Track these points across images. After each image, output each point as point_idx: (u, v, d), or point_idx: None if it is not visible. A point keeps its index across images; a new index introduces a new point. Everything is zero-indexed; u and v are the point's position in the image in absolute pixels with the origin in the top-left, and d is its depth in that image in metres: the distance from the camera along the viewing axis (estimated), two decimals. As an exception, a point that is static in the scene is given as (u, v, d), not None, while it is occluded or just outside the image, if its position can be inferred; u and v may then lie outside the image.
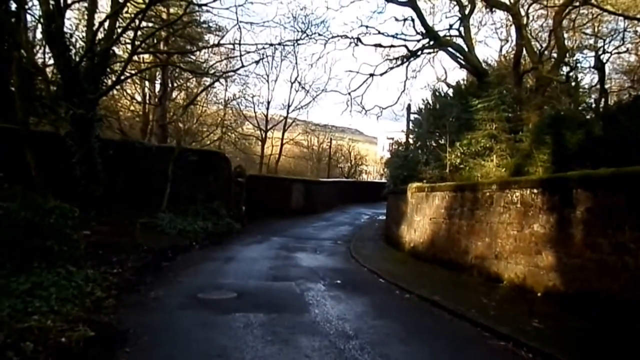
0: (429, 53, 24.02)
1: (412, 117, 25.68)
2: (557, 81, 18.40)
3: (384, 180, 57.36)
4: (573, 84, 20.71)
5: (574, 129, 13.39)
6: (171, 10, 24.62)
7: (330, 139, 48.98)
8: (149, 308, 8.18)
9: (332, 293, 9.68)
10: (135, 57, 19.29)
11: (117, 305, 8.00)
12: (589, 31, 23.35)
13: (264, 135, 37.48)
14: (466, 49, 21.02)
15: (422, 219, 14.16)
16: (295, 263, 13.58)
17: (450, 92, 23.36)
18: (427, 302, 8.97)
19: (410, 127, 26.35)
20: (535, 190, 8.99)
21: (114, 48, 17.16)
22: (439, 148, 15.96)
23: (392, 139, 34.67)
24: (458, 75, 77.73)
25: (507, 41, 29.35)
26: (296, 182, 31.65)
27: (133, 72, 21.08)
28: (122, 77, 17.57)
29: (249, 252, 15.17)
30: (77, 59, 14.96)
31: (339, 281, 11.03)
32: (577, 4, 17.08)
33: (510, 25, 28.07)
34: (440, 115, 17.29)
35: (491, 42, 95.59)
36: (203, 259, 13.48)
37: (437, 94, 22.74)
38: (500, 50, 30.11)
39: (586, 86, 24.68)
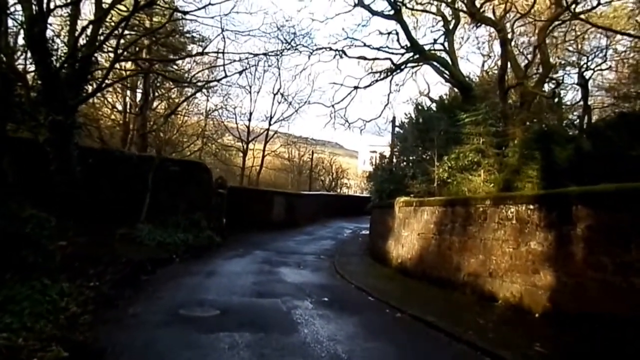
0: (413, 67, 23.92)
1: (396, 130, 25.57)
2: (543, 96, 18.33)
3: (365, 194, 57.61)
4: (556, 100, 20.77)
5: (563, 144, 13.27)
6: (155, 19, 24.18)
7: (312, 152, 48.63)
8: (128, 325, 7.72)
9: (320, 311, 9.28)
10: (117, 65, 18.81)
11: (93, 322, 7.55)
12: (571, 48, 23.43)
13: (245, 147, 37.00)
14: (450, 64, 20.95)
15: (410, 234, 13.85)
16: (280, 278, 13.16)
17: (434, 106, 23.35)
18: (421, 322, 8.61)
19: (395, 141, 26.24)
20: (531, 206, 8.72)
21: (96, 55, 16.68)
22: (427, 162, 15.70)
23: (376, 152, 34.58)
24: (440, 90, 78.41)
25: (490, 57, 29.30)
26: (278, 194, 31.31)
27: (115, 79, 20.54)
28: (104, 85, 17.06)
29: (231, 266, 14.71)
30: (58, 65, 14.51)
31: (326, 299, 10.64)
32: (565, 18, 16.99)
33: (493, 41, 28.30)
34: (426, 128, 17.07)
35: (473, 57, 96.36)
36: (184, 273, 13.00)
37: (420, 107, 22.62)
38: (483, 65, 30.04)
39: (568, 103, 24.96)
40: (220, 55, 21.41)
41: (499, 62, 27.76)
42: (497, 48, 28.21)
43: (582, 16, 15.72)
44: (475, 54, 71.32)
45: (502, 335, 7.50)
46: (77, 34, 15.36)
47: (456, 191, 14.74)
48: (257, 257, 17.16)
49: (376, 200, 19.74)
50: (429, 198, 13.49)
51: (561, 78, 22.79)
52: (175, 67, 25.48)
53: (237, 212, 23.90)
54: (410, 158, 17.65)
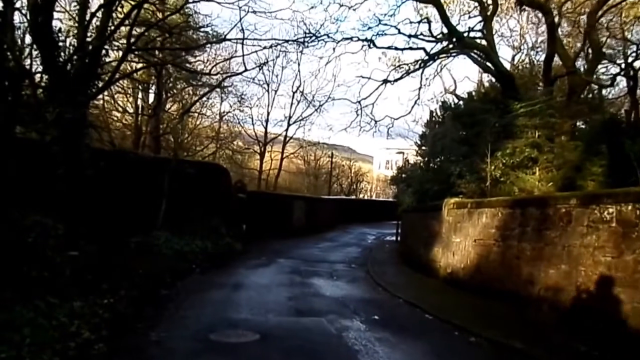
0: (448, 56, 22.30)
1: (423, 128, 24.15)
2: (602, 86, 16.79)
3: (383, 198, 56.21)
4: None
5: (635, 137, 11.72)
6: (167, 13, 22.90)
7: (332, 153, 47.12)
8: (151, 356, 6.28)
9: (376, 334, 7.75)
10: (129, 59, 17.53)
11: (109, 352, 6.16)
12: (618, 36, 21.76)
13: (263, 149, 35.59)
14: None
15: (463, 240, 12.28)
16: (316, 291, 11.69)
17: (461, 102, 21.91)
18: (506, 350, 7.06)
19: (422, 140, 24.74)
20: (641, 205, 7.11)
21: (107, 48, 15.34)
22: (476, 159, 14.12)
23: (403, 153, 33.15)
24: (466, 87, 76.41)
25: (520, 49, 27.98)
26: (298, 199, 29.98)
27: (127, 73, 19.24)
28: (115, 78, 15.75)
29: (257, 277, 13.28)
30: (66, 58, 13.21)
31: (376, 317, 9.12)
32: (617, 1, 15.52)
33: (526, 31, 26.95)
34: (471, 122, 15.50)
35: (501, 51, 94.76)
36: (207, 286, 11.57)
37: (458, 99, 21.14)
38: (513, 59, 28.62)
39: (610, 96, 23.32)
40: (238, 47, 19.94)
41: (527, 53, 26.61)
42: (529, 39, 27.17)
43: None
44: (503, 46, 68.72)
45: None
46: (86, 22, 14.04)
47: (508, 191, 13.21)
48: (283, 267, 15.73)
49: (412, 203, 18.18)
50: (490, 198, 11.87)
51: (628, 65, 21.00)
52: (189, 65, 24.21)
53: (256, 218, 22.47)
54: (450, 157, 16.05)
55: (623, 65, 21.11)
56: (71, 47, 13.79)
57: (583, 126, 16.48)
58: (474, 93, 22.75)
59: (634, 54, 20.83)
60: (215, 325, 7.75)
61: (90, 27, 14.17)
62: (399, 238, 25.66)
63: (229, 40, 18.34)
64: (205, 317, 8.37)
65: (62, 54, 13.17)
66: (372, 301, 10.84)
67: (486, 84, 27.08)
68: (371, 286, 13.17)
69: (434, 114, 22.37)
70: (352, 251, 22.18)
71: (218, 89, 29.80)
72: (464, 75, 74.58)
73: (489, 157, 13.30)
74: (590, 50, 19.49)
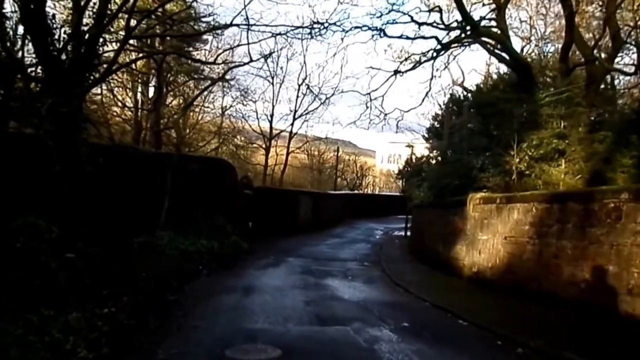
0: (460, 46, 21.42)
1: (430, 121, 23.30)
2: (626, 74, 15.93)
3: (387, 192, 55.34)
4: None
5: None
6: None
7: (338, 147, 46.18)
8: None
9: (412, 346, 6.86)
10: (127, 49, 16.67)
11: (109, 376, 5.29)
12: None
13: (268, 144, 34.69)
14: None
15: (491, 237, 11.41)
16: (333, 294, 10.86)
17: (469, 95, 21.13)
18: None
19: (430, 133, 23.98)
20: None
21: (104, 36, 14.45)
22: (500, 151, 13.26)
23: (412, 146, 32.20)
24: (473, 79, 75.23)
25: (530, 40, 27.16)
26: (304, 195, 29.14)
27: (126, 63, 18.33)
28: (114, 68, 14.89)
29: (269, 279, 12.47)
30: (61, 46, 12.35)
31: (406, 323, 8.26)
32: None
33: (534, 22, 26.08)
34: (493, 112, 14.61)
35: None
36: (216, 290, 10.76)
37: (467, 91, 20.26)
38: (522, 50, 27.79)
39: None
40: (242, 39, 19.03)
41: (536, 44, 25.79)
42: (539, 29, 26.31)
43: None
44: (513, 38, 67.61)
45: None
46: (81, 9, 13.14)
47: (533, 185, 12.39)
48: (294, 267, 14.94)
49: (429, 198, 17.31)
50: (523, 193, 10.99)
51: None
52: (189, 60, 23.45)
53: (261, 215, 21.59)
54: (469, 150, 15.16)
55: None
56: (66, 37, 12.96)
57: (599, 118, 15.70)
58: (490, 82, 22.04)
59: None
60: (231, 339, 6.89)
61: (87, 14, 13.30)
62: (408, 233, 25.10)
63: (235, 26, 17.20)
64: (218, 328, 7.53)
65: (57, 43, 12.32)
66: (396, 305, 10.00)
67: (494, 76, 26.44)
68: (390, 287, 12.36)
69: (449, 105, 21.48)
70: (362, 248, 21.48)
71: (221, 83, 29.01)
72: (471, 68, 73.45)
73: (515, 148, 12.45)
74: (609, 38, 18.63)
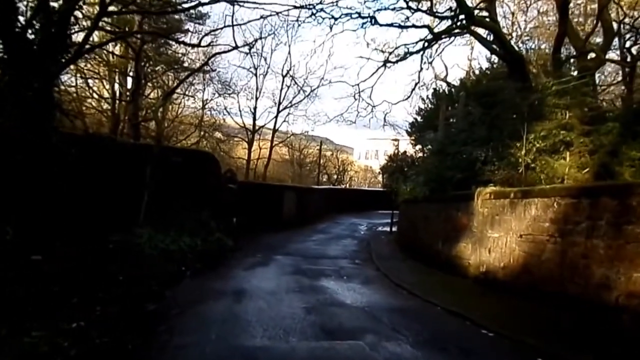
0: (450, 36, 20.58)
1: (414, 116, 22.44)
2: (623, 65, 15.25)
3: (370, 187, 54.71)
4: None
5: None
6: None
7: (321, 142, 45.22)
8: None
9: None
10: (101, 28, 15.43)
11: None
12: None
13: (251, 136, 33.53)
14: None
15: (504, 235, 10.44)
16: (333, 299, 9.78)
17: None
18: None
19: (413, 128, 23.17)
20: None
21: (77, 13, 13.21)
22: (504, 143, 12.38)
23: (397, 140, 31.38)
24: (457, 74, 74.66)
25: (512, 37, 26.71)
26: (288, 189, 28.19)
27: (101, 42, 17.10)
28: (86, 48, 13.68)
29: (259, 281, 11.36)
30: (25, 22, 11.16)
31: (424, 335, 7.18)
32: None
33: (516, 18, 25.48)
34: (493, 102, 13.73)
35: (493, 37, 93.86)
36: (203, 295, 9.57)
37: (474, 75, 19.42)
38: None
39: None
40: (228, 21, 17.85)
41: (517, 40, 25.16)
42: (522, 24, 25.76)
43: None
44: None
45: None
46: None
47: (534, 179, 11.56)
48: (284, 266, 13.92)
49: (425, 192, 16.36)
50: (543, 186, 10.03)
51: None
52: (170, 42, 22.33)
53: (246, 210, 20.48)
54: (468, 141, 14.26)
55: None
56: (32, 12, 11.74)
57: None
58: (473, 78, 21.43)
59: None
60: (225, 360, 5.79)
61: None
62: (394, 229, 24.58)
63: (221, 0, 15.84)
64: (210, 348, 6.29)
65: (21, 17, 11.11)
66: (404, 311, 8.95)
67: (477, 72, 26.04)
68: (391, 288, 11.38)
69: (442, 97, 20.73)
70: (349, 244, 20.72)
71: (202, 74, 27.87)
72: (453, 64, 73.05)
73: (524, 140, 11.56)
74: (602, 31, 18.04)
